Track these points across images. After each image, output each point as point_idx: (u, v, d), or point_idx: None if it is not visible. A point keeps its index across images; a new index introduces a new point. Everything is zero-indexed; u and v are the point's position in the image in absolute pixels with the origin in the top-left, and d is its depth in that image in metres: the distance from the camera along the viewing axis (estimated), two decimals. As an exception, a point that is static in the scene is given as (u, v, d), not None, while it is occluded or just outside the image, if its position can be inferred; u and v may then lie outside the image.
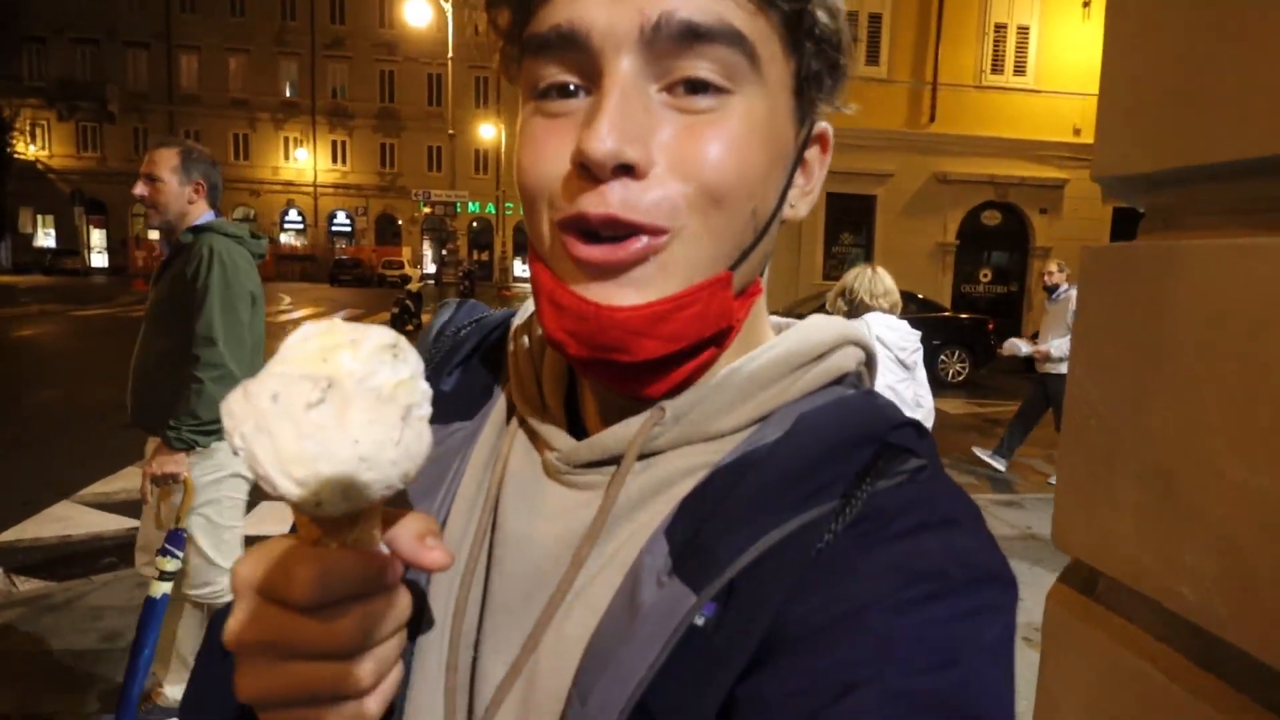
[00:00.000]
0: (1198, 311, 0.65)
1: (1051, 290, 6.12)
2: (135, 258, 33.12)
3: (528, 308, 0.54)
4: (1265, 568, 0.58)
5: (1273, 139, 0.60)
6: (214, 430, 2.32)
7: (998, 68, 14.24)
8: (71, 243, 34.92)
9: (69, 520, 4.68)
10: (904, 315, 3.34)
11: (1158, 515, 0.67)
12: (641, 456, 0.45)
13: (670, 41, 0.39)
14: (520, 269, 37.94)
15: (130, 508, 4.90)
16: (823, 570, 0.39)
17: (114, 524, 4.66)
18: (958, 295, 14.85)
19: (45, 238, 35.41)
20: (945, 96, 14.01)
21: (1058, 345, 5.81)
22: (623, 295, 0.41)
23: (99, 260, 35.47)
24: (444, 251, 16.47)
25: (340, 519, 0.33)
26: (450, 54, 15.38)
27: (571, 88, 0.42)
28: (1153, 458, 0.69)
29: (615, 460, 0.46)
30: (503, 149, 33.52)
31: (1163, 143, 0.71)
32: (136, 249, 33.66)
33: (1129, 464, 0.72)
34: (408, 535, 0.36)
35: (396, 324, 15.05)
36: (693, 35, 0.39)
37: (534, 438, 0.50)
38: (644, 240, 0.40)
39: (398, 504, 0.44)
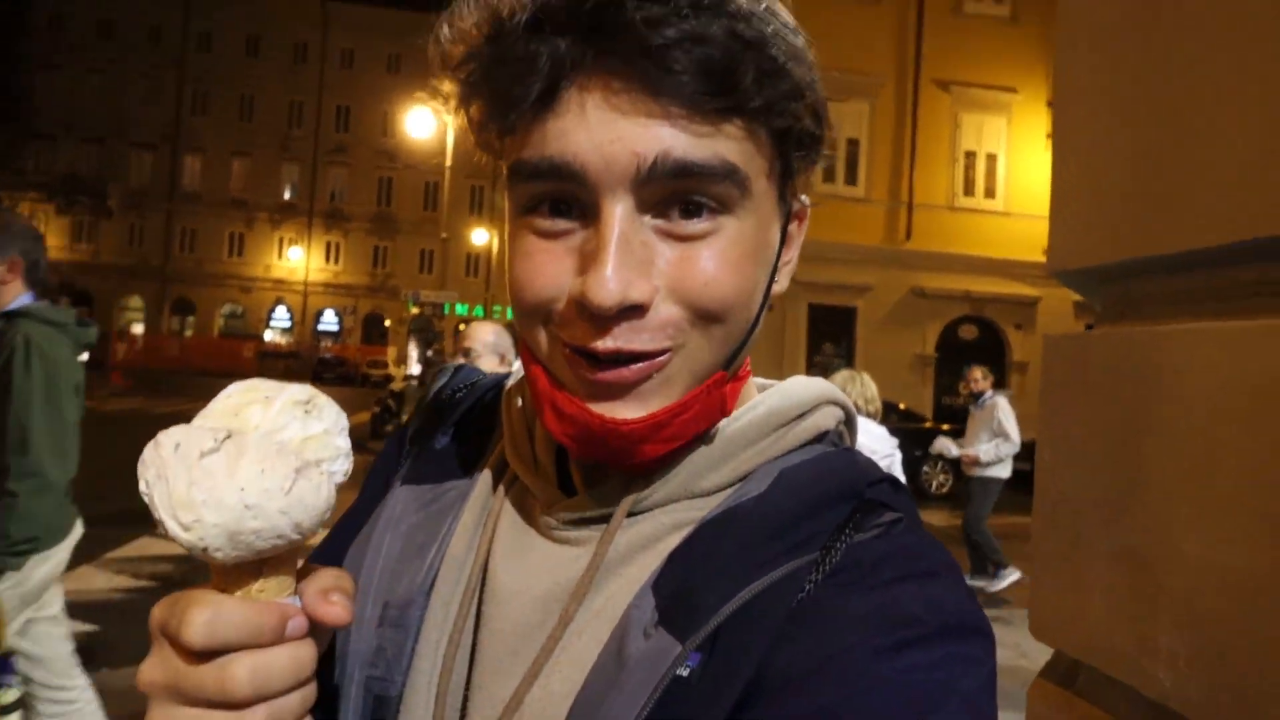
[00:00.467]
0: (1157, 395, 0.68)
1: (976, 396, 6.27)
2: (116, 349, 32.97)
3: (520, 371, 0.55)
4: (1234, 644, 0.58)
5: (1218, 230, 0.65)
6: (26, 549, 1.99)
7: (969, 191, 15.00)
8: (55, 333, 34.76)
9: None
10: (886, 425, 3.42)
11: (1130, 596, 0.67)
12: (630, 514, 0.46)
13: (665, 179, 0.40)
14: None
15: (78, 610, 4.66)
16: (804, 619, 0.40)
17: (64, 621, 4.44)
18: (939, 407, 15.01)
19: (29, 327, 35.31)
20: (920, 216, 14.67)
21: (986, 450, 5.89)
22: (627, 410, 0.42)
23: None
24: (429, 352, 16.58)
25: (242, 567, 0.34)
26: (448, 162, 16.02)
27: (562, 210, 0.42)
28: (1121, 539, 0.69)
29: (605, 518, 0.47)
30: (494, 254, 34.40)
31: (1114, 236, 0.75)
32: (119, 341, 33.57)
33: (1098, 546, 0.72)
34: (314, 589, 0.36)
35: (378, 423, 14.93)
36: (686, 172, 0.40)
37: (526, 495, 0.51)
38: (647, 363, 0.42)
39: (389, 576, 0.48)
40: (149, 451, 0.34)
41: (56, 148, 34.75)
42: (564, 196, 0.42)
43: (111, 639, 4.40)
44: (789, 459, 0.48)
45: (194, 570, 5.55)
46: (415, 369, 29.46)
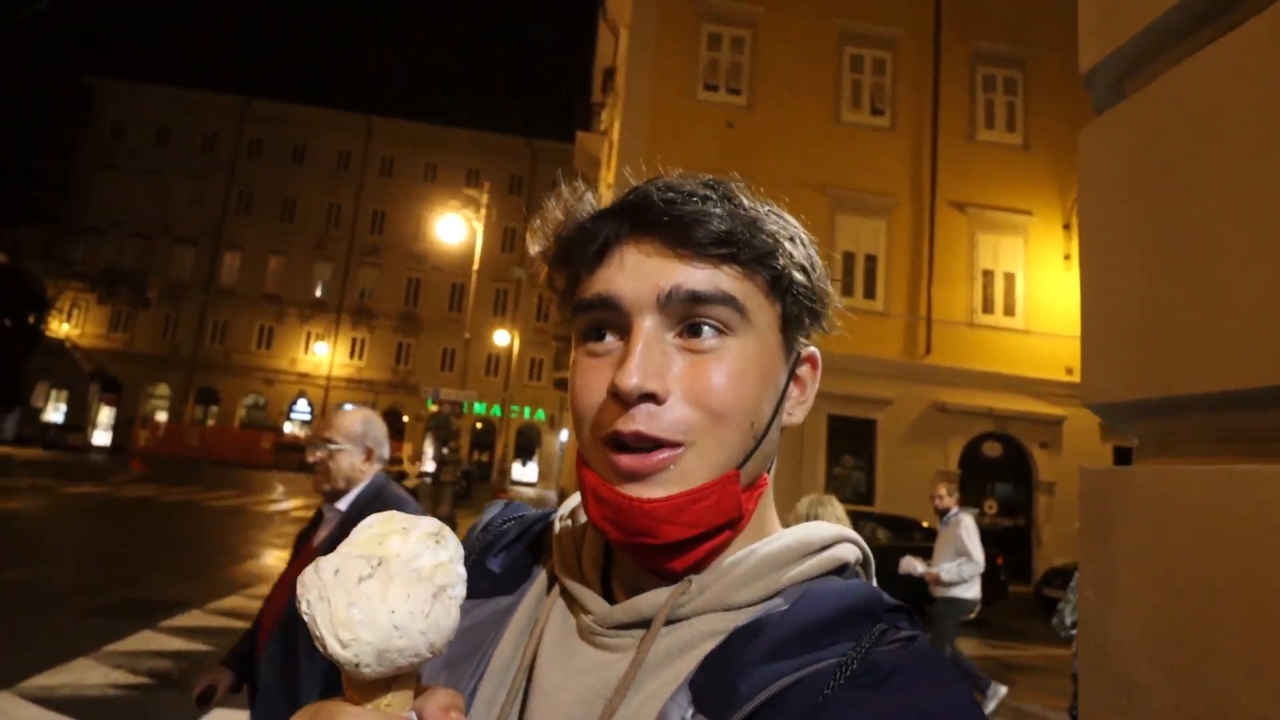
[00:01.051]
0: (1202, 538, 0.66)
1: (942, 514, 6.11)
2: (139, 436, 33.27)
3: (572, 501, 0.65)
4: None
5: (1241, 374, 0.65)
6: None
7: (988, 308, 15.12)
8: (79, 419, 35.31)
9: (3, 716, 4.30)
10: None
11: (1187, 755, 0.63)
12: (668, 622, 0.53)
13: (679, 304, 0.53)
14: (519, 472, 37.86)
15: (71, 705, 4.52)
16: (828, 714, 0.45)
17: (50, 722, 4.27)
18: (961, 524, 14.61)
19: (55, 412, 35.85)
20: (940, 331, 14.76)
21: (947, 570, 5.71)
22: (650, 492, 0.51)
23: (102, 438, 35.62)
24: (445, 450, 16.56)
25: (376, 683, 0.39)
26: (475, 265, 16.52)
27: (605, 333, 0.55)
28: (1173, 690, 0.66)
29: (645, 624, 0.53)
30: (514, 355, 34.87)
31: (1141, 374, 0.75)
32: (142, 428, 33.93)
33: (1149, 695, 0.68)
34: (434, 706, 0.42)
35: (389, 519, 14.73)
36: (695, 299, 0.53)
37: (571, 604, 0.58)
38: (665, 453, 0.51)
39: (433, 680, 0.53)
40: (310, 575, 0.39)
41: (104, 241, 36.36)
42: (608, 322, 0.55)
43: (100, 741, 4.23)
44: (815, 582, 0.55)
45: (193, 669, 5.38)
46: (430, 466, 29.34)
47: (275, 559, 10.45)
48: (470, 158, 38.59)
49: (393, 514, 0.43)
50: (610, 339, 0.55)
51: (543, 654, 0.55)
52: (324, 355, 37.43)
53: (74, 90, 37.21)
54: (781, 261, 0.56)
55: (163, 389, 36.65)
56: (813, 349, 0.61)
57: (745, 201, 0.57)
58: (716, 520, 0.52)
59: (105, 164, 36.56)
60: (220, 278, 37.34)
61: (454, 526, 15.09)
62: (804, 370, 0.60)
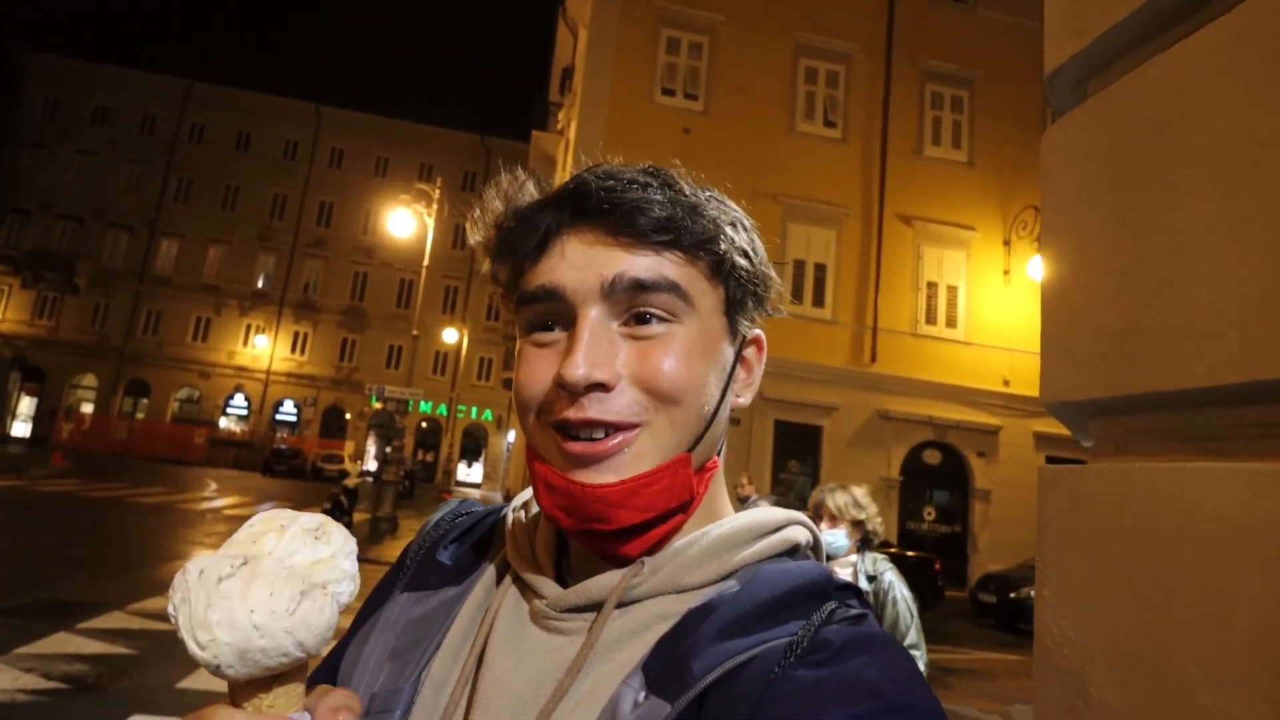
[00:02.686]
0: (1162, 536, 0.66)
1: (743, 501, 6.30)
2: (61, 429, 31.72)
3: (525, 494, 0.65)
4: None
5: (1220, 370, 0.65)
6: None
7: (931, 319, 15.51)
8: (-2, 409, 33.52)
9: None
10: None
11: (1143, 756, 0.62)
12: (621, 604, 0.53)
13: (623, 292, 0.53)
14: (465, 473, 37.30)
15: (-20, 707, 4.25)
16: (780, 689, 0.45)
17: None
18: (904, 530, 14.93)
19: (-30, 401, 33.99)
20: (885, 340, 15.08)
21: None
22: (602, 477, 0.51)
23: (21, 429, 33.85)
24: (388, 449, 16.18)
25: (254, 683, 0.39)
26: (426, 261, 16.23)
27: (551, 324, 0.55)
28: (1130, 690, 0.65)
29: (596, 606, 0.53)
30: (463, 354, 34.34)
31: (1104, 372, 0.75)
32: (65, 420, 32.36)
33: (1106, 695, 0.68)
34: (326, 706, 0.42)
35: (329, 517, 14.27)
36: (639, 287, 0.53)
37: (524, 591, 0.58)
38: (619, 436, 0.52)
39: (377, 671, 0.55)
40: (178, 578, 0.39)
41: (30, 223, 34.60)
42: (552, 314, 0.55)
43: (5, 750, 3.98)
44: (766, 563, 0.55)
45: (111, 673, 5.11)
46: (372, 465, 28.67)
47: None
48: (423, 153, 37.92)
49: (276, 512, 0.42)
50: (556, 330, 0.55)
51: (494, 639, 0.55)
52: (264, 348, 36.27)
53: (2, 64, 35.36)
54: (723, 246, 0.56)
55: (89, 379, 34.99)
56: (758, 331, 0.61)
57: (685, 188, 0.57)
58: (669, 504, 0.53)
59: (37, 143, 34.81)
60: (156, 265, 35.86)
61: (395, 526, 14.75)
62: (750, 352, 0.61)
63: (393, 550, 11.55)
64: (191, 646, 0.37)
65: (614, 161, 0.60)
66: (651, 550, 0.54)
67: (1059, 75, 0.94)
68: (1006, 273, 15.65)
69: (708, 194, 0.58)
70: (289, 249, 36.91)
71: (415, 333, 16.21)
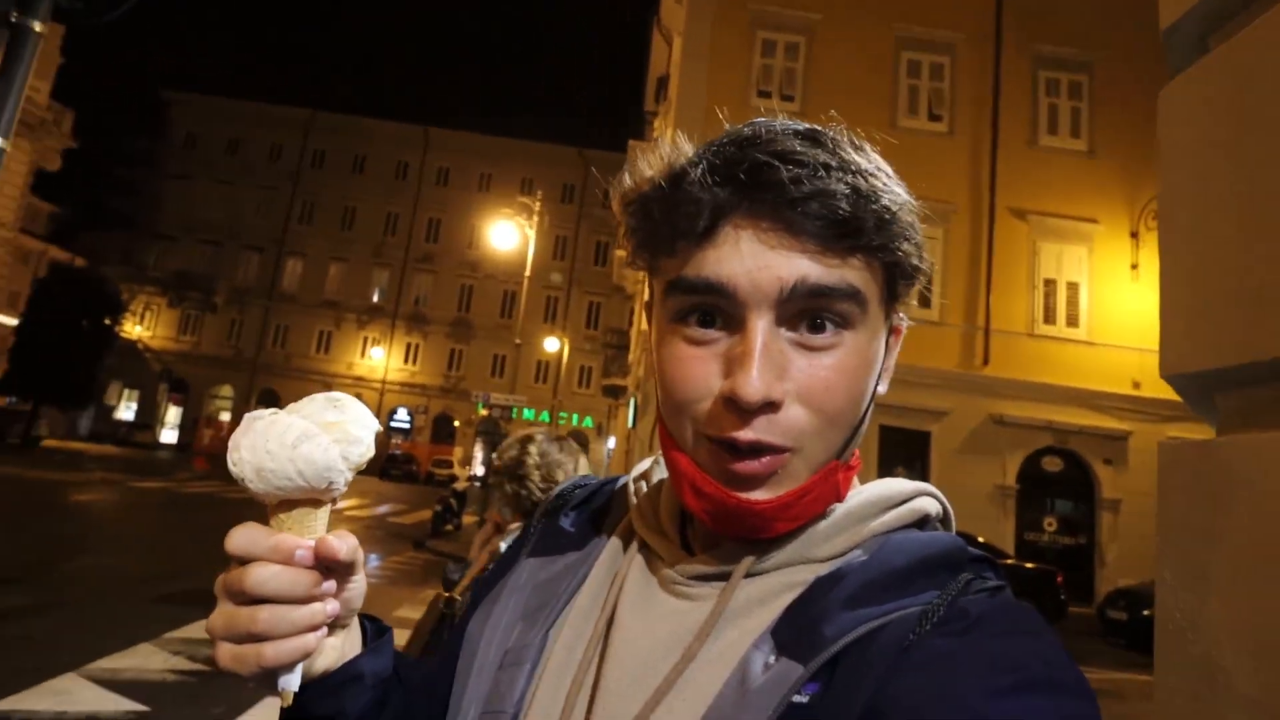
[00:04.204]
0: (1295, 510, 0.61)
1: None
2: (202, 435, 34.47)
3: (643, 464, 0.66)
4: None
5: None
6: None
7: (1050, 318, 14.62)
8: (148, 417, 36.79)
9: (68, 695, 4.47)
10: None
11: (1279, 747, 0.58)
12: (749, 575, 0.52)
13: (802, 299, 0.49)
14: (567, 478, 37.92)
15: (133, 688, 4.68)
16: (917, 659, 0.43)
17: (112, 704, 4.43)
18: (1021, 542, 14.12)
19: (126, 410, 37.43)
20: (998, 341, 14.33)
21: None
22: (757, 494, 0.50)
23: (169, 436, 37.04)
24: (494, 455, 16.71)
25: (276, 506, 0.50)
26: (528, 273, 16.71)
27: (711, 320, 0.51)
28: (1260, 676, 0.60)
29: (725, 576, 0.53)
30: (563, 362, 35.00)
31: (1230, 339, 0.70)
32: (206, 427, 35.16)
33: (1235, 684, 0.63)
34: (330, 535, 0.49)
35: (438, 521, 14.95)
36: (820, 294, 0.49)
37: (650, 560, 0.58)
38: (776, 456, 0.50)
39: (509, 629, 0.58)
40: (240, 426, 0.50)
41: (175, 247, 37.94)
42: (713, 309, 0.51)
43: (159, 722, 4.36)
44: (896, 534, 0.54)
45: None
46: (479, 470, 29.72)
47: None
48: (524, 167, 39.12)
49: (329, 394, 0.53)
50: (717, 327, 0.51)
51: (623, 602, 0.56)
52: (379, 360, 38.28)
53: (152, 101, 39.00)
54: (904, 247, 0.52)
55: (226, 390, 37.94)
56: (903, 318, 0.58)
57: (856, 161, 0.51)
58: (818, 510, 0.52)
59: (179, 174, 38.18)
60: (283, 283, 38.58)
61: (501, 529, 15.30)
62: (892, 340, 0.58)
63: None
64: (230, 463, 0.48)
65: (773, 116, 0.55)
66: (789, 536, 0.54)
67: (1176, 31, 0.89)
68: (1135, 267, 14.57)
69: (872, 163, 0.52)
70: (400, 264, 38.87)
71: (518, 341, 16.71)
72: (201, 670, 5.24)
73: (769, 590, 0.52)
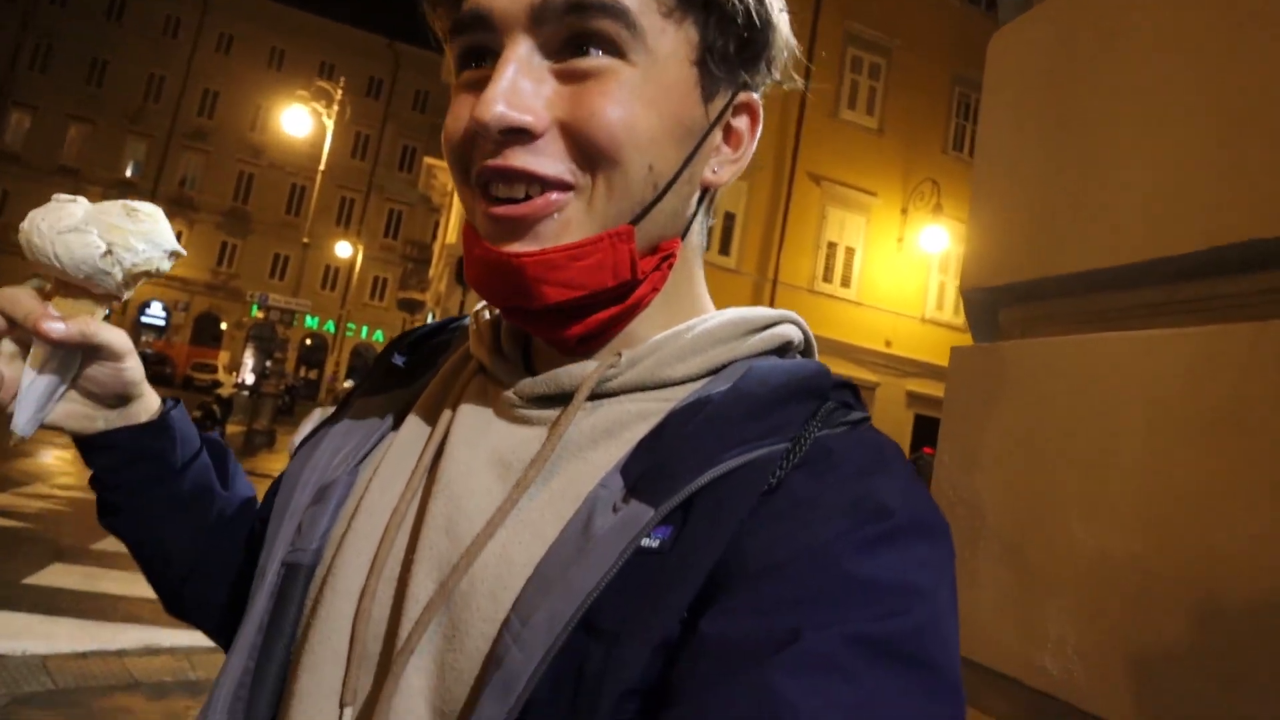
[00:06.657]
0: (1058, 402, 0.72)
1: None
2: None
3: None
4: (1122, 631, 0.61)
5: (1113, 252, 0.71)
6: None
7: (828, 278, 16.10)
8: None
9: None
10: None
11: (1021, 591, 0.70)
12: (595, 397, 0.48)
13: (557, 17, 0.43)
14: (349, 393, 36.04)
15: None
16: (777, 505, 0.41)
17: None
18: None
19: None
20: (783, 294, 15.54)
21: None
22: (523, 246, 0.44)
23: None
24: (268, 362, 15.41)
25: (56, 288, 0.55)
26: (322, 166, 15.28)
27: (482, 58, 0.46)
28: (1013, 537, 0.72)
29: (567, 397, 0.48)
30: (356, 270, 32.86)
31: (1021, 258, 0.81)
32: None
33: (991, 546, 0.75)
34: (80, 319, 0.55)
35: (199, 427, 13.57)
36: (576, 10, 0.43)
37: (489, 385, 0.53)
38: (553, 195, 0.44)
39: (325, 465, 0.55)
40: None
41: None
42: (482, 45, 0.45)
43: None
44: (757, 359, 0.50)
45: None
46: (249, 378, 27.24)
47: (54, 458, 9.36)
48: (325, 49, 35.26)
49: (135, 203, 0.57)
50: (487, 65, 0.45)
51: (454, 432, 0.50)
52: (131, 244, 33.35)
53: None
54: None
55: (-81, 259, 31.25)
56: (753, 95, 0.51)
57: None
58: (604, 282, 0.45)
59: None
60: (4, 139, 32.11)
61: (273, 440, 14.21)
62: (740, 122, 0.51)
63: (269, 462, 11.12)
64: (20, 229, 0.53)
65: None
66: (592, 338, 0.49)
67: (1008, -16, 0.98)
68: (900, 240, 16.39)
69: None
70: (164, 137, 33.80)
71: (306, 240, 15.36)
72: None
73: (618, 419, 0.46)
